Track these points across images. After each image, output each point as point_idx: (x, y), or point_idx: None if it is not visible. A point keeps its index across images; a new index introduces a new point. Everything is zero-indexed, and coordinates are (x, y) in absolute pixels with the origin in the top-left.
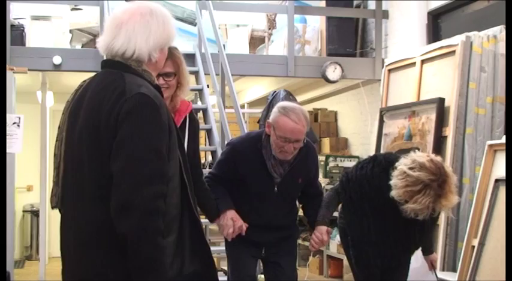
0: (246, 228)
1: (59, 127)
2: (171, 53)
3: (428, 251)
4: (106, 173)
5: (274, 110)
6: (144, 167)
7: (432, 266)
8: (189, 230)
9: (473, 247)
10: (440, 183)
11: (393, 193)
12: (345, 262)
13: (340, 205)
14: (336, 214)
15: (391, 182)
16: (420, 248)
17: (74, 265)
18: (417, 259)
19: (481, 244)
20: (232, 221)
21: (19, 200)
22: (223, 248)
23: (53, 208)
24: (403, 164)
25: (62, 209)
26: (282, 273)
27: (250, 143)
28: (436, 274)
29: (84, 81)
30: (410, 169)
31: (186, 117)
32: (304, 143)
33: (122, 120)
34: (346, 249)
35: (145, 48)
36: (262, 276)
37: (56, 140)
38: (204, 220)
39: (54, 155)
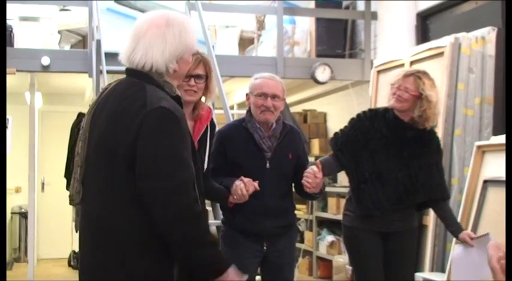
0: (257, 183)
1: (82, 127)
2: (203, 57)
3: (458, 227)
4: (122, 178)
5: (250, 81)
6: (176, 180)
7: (471, 239)
8: None
9: None
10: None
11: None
12: (334, 263)
13: (344, 202)
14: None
15: None
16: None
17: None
18: (454, 260)
19: None
20: (241, 180)
21: (7, 202)
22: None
23: (75, 204)
24: None
25: (83, 207)
26: (281, 275)
27: (235, 124)
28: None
29: (110, 84)
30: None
31: (207, 126)
32: (287, 124)
33: (145, 135)
34: (348, 244)
35: (162, 60)
36: (259, 277)
37: (79, 140)
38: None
39: (77, 153)
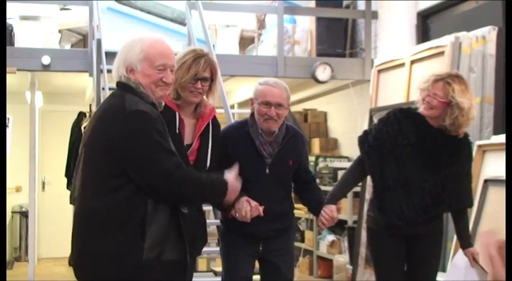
0: (263, 208)
1: (84, 132)
2: (211, 61)
3: (467, 242)
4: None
5: (255, 86)
6: (169, 161)
7: (474, 260)
8: (174, 225)
9: None
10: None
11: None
12: (335, 262)
13: (369, 200)
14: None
15: None
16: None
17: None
18: (454, 263)
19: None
20: (248, 203)
21: (8, 201)
22: (214, 249)
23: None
24: None
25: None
26: (279, 274)
27: (237, 126)
28: (481, 266)
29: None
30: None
31: (209, 124)
32: (291, 127)
33: (128, 137)
34: (372, 247)
35: (115, 69)
36: (258, 277)
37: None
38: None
39: (78, 157)
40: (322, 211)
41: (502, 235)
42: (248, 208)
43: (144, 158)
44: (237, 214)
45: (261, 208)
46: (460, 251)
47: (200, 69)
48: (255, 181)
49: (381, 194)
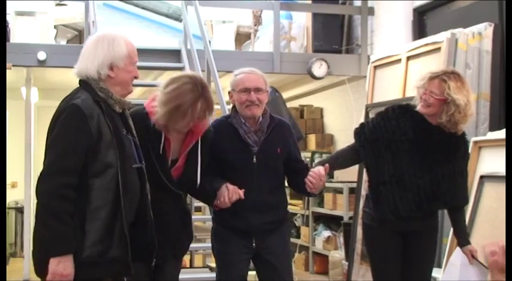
0: (242, 192)
1: None
2: (208, 98)
3: (464, 240)
4: None
5: (230, 79)
6: (60, 162)
7: (473, 257)
8: (119, 223)
9: None
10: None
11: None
12: (331, 258)
13: (364, 196)
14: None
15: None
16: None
17: None
18: (451, 262)
19: None
20: (226, 187)
21: None
22: (209, 244)
23: None
24: None
25: None
26: (276, 273)
27: (221, 119)
28: (482, 264)
29: None
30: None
31: (199, 139)
32: (275, 117)
33: (54, 125)
34: (368, 244)
35: (92, 68)
36: (253, 272)
37: None
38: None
39: None
40: (309, 173)
41: (500, 233)
42: (226, 193)
43: (49, 148)
44: (218, 201)
45: (241, 191)
46: (457, 250)
47: (195, 117)
48: (242, 171)
49: (376, 189)
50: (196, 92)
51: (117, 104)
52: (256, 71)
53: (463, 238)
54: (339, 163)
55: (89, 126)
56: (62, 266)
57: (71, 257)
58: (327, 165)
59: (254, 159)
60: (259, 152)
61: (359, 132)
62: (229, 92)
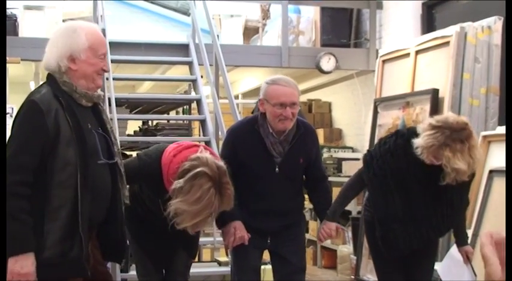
0: (248, 238)
1: None
2: (226, 192)
3: (463, 240)
4: None
5: (262, 85)
6: (14, 159)
7: (468, 259)
8: (81, 224)
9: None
10: (462, 136)
11: (418, 142)
12: (339, 252)
13: (365, 198)
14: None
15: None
16: (455, 240)
17: None
18: (450, 253)
19: (475, 235)
20: (234, 230)
21: None
22: (218, 239)
23: None
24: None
25: None
26: (288, 265)
27: (247, 124)
28: (472, 267)
29: None
30: (437, 121)
31: None
32: (302, 123)
33: (14, 120)
34: (370, 241)
35: (53, 59)
36: (269, 266)
37: None
38: None
39: None
40: (321, 228)
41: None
42: (232, 239)
43: (7, 146)
44: (222, 235)
45: (246, 238)
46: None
47: (209, 208)
48: (264, 179)
49: (385, 223)
50: (217, 194)
51: (83, 97)
52: (291, 83)
53: (461, 239)
54: (349, 201)
55: (46, 122)
56: (19, 265)
57: (29, 256)
58: (339, 226)
59: (276, 169)
60: (282, 163)
61: (368, 164)
62: (260, 100)
